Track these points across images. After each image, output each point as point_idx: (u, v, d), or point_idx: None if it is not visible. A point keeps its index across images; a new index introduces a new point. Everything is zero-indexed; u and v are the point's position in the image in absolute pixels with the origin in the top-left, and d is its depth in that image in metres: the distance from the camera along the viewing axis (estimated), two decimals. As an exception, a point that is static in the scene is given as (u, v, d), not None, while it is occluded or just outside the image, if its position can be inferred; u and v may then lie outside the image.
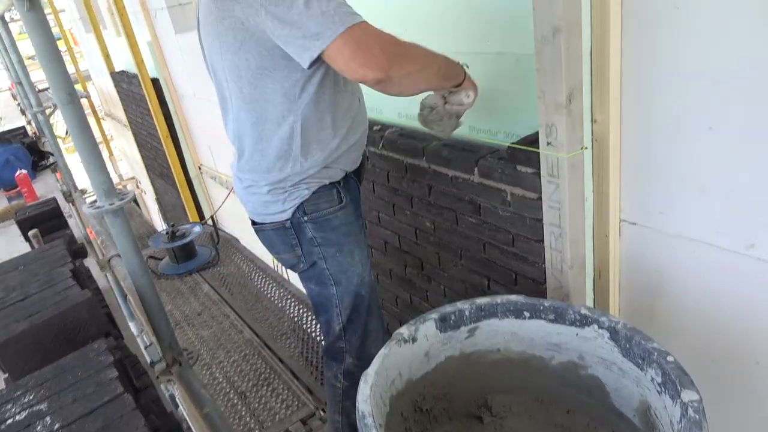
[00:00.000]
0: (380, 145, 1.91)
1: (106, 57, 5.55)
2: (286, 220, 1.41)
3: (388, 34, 1.17)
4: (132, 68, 4.57)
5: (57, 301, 1.41)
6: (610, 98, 1.23)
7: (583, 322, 1.16)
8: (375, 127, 1.95)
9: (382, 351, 1.14)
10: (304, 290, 3.09)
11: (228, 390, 2.42)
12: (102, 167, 1.49)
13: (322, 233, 1.43)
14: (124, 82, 5.27)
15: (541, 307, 1.20)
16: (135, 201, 7.73)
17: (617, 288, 1.45)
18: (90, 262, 2.59)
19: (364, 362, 1.53)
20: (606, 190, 1.32)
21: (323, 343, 1.65)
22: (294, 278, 3.26)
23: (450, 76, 1.32)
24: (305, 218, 1.41)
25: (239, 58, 1.24)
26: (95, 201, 1.57)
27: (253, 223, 1.51)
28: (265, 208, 1.43)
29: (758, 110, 1.03)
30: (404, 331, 1.19)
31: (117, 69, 5.54)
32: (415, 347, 1.20)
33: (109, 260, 2.38)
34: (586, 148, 1.28)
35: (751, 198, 1.10)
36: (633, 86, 1.21)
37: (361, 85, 1.44)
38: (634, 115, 1.24)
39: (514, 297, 1.23)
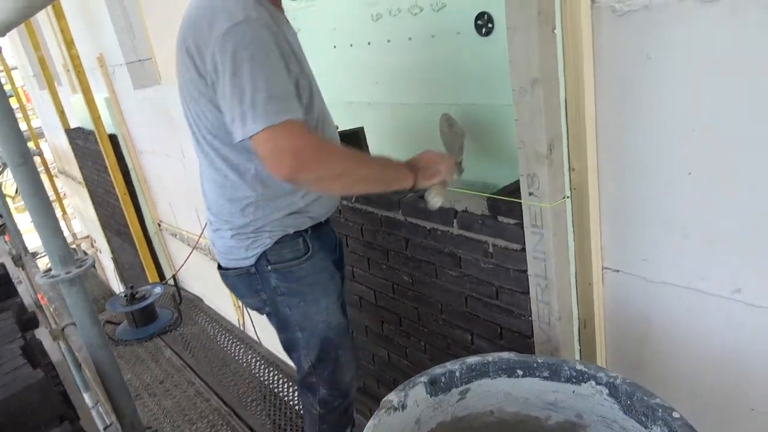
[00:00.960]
0: (353, 198, 1.87)
1: (61, 114, 5.42)
2: (251, 266, 1.42)
3: (311, 137, 1.19)
4: (88, 124, 4.47)
5: (5, 384, 1.27)
6: (587, 146, 1.24)
7: (579, 378, 1.11)
8: (347, 180, 1.91)
9: (371, 423, 1.06)
10: (273, 351, 2.98)
11: (194, 465, 2.25)
12: (57, 232, 1.39)
13: (286, 283, 1.43)
14: (79, 138, 5.14)
15: (535, 364, 1.15)
16: (89, 261, 7.40)
17: (603, 337, 1.42)
18: (42, 333, 2.41)
19: (338, 390, 1.58)
20: (587, 238, 1.31)
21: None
22: (263, 339, 3.13)
23: (389, 182, 1.31)
24: (269, 267, 1.41)
25: (200, 110, 1.29)
26: (49, 269, 1.46)
27: (219, 267, 1.51)
28: (230, 253, 1.43)
29: (736, 154, 1.04)
30: (393, 397, 1.12)
31: (72, 125, 5.42)
32: (405, 415, 1.13)
33: (62, 329, 2.21)
34: (568, 197, 1.27)
35: (734, 242, 1.10)
36: (609, 134, 1.22)
37: (336, 135, 1.47)
38: (611, 162, 1.24)
39: (505, 354, 1.18)
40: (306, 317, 1.47)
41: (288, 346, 1.57)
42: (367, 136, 1.67)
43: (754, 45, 0.96)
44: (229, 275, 1.48)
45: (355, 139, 1.59)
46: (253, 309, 1.56)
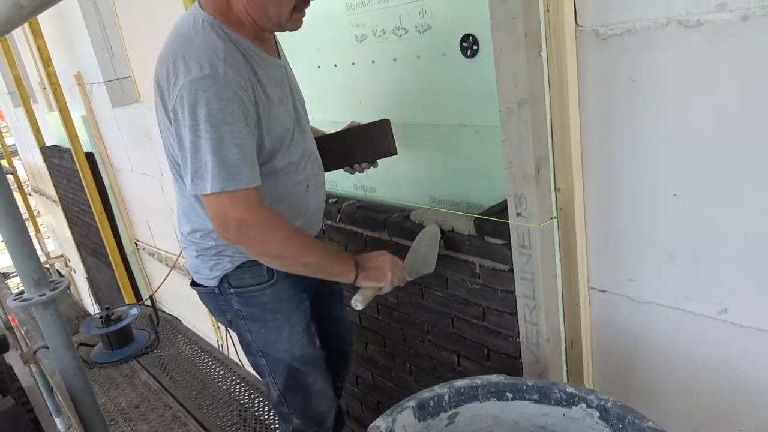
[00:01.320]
0: (337, 218, 1.85)
1: (36, 132, 5.31)
2: (215, 287, 1.42)
3: (257, 212, 1.19)
4: (64, 142, 4.39)
5: (-28, 413, 1.21)
6: (573, 167, 1.24)
7: (569, 401, 1.09)
8: (331, 200, 1.90)
9: (359, 449, 1.02)
10: (254, 373, 2.90)
11: (171, 494, 2.16)
12: (32, 254, 1.33)
13: (248, 308, 1.42)
14: (55, 157, 5.03)
15: (524, 387, 1.13)
16: (63, 281, 7.19)
17: (590, 358, 1.41)
18: (12, 356, 2.31)
19: (311, 420, 1.55)
20: (574, 258, 1.30)
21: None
22: (244, 360, 3.05)
23: (328, 275, 1.34)
24: (231, 291, 1.40)
25: (169, 141, 1.27)
26: (22, 291, 1.39)
27: (192, 282, 1.50)
28: (198, 271, 1.44)
29: (720, 175, 1.05)
30: (381, 423, 1.09)
31: (48, 143, 5.30)
32: (393, 441, 1.09)
33: (34, 352, 2.12)
34: (555, 217, 1.26)
35: (719, 262, 1.11)
36: (594, 155, 1.22)
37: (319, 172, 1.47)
38: (597, 183, 1.24)
39: (495, 377, 1.15)
40: (267, 343, 1.45)
41: (257, 372, 1.56)
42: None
43: (737, 68, 0.97)
44: (200, 292, 1.48)
45: (380, 130, 1.53)
46: (224, 326, 1.57)
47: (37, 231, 7.82)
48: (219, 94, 1.11)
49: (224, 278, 1.39)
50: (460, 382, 1.17)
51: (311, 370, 1.51)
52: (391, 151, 1.54)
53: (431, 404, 1.15)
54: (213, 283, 1.41)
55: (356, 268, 1.33)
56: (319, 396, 1.54)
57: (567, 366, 1.41)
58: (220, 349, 3.36)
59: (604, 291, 1.31)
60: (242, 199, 1.16)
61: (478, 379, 1.16)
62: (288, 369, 1.48)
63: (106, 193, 4.36)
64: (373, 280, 1.34)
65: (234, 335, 1.56)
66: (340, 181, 1.95)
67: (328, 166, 1.54)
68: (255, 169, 1.18)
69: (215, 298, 1.44)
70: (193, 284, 1.49)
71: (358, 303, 1.34)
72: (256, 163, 1.20)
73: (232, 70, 1.13)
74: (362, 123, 1.57)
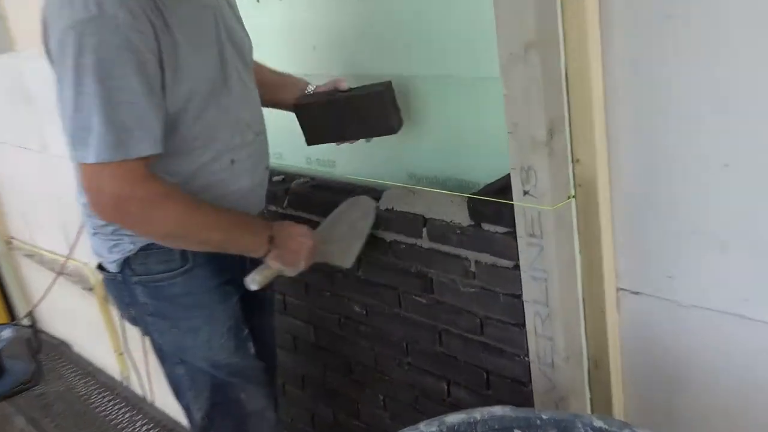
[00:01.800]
0: (285, 202, 1.85)
1: None
2: (117, 273, 1.47)
3: (142, 187, 1.26)
4: None
5: None
6: (595, 131, 1.25)
7: (597, 438, 1.11)
8: (275, 178, 1.90)
9: None
10: (170, 413, 2.88)
11: None
12: None
13: (155, 301, 1.47)
14: None
15: (538, 422, 1.14)
16: None
17: (620, 380, 1.43)
18: None
19: None
20: (598, 250, 1.32)
21: None
22: (156, 395, 3.02)
23: (236, 250, 1.46)
24: (134, 279, 1.45)
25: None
26: None
27: (98, 265, 1.56)
28: (97, 252, 1.50)
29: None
30: (348, 473, 1.08)
31: None
32: (366, 496, 1.10)
33: None
34: (573, 196, 1.28)
35: (788, 253, 1.13)
36: (622, 115, 1.23)
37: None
38: (626, 152, 1.25)
39: (498, 409, 1.16)
40: (180, 348, 1.51)
41: (174, 389, 1.59)
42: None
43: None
44: (104, 278, 1.54)
45: (380, 99, 1.54)
46: (131, 324, 1.62)
47: None
48: (107, 41, 1.17)
49: (126, 262, 1.44)
50: (453, 417, 1.17)
51: (244, 383, 1.55)
52: (394, 129, 1.57)
53: (415, 447, 1.15)
54: (114, 268, 1.46)
55: (269, 244, 1.42)
56: (257, 419, 1.57)
57: (591, 392, 1.43)
58: (125, 383, 3.33)
59: (638, 293, 1.33)
60: (127, 171, 1.23)
61: (477, 413, 1.17)
62: (213, 381, 1.52)
63: (-34, 174, 4.29)
64: (285, 264, 1.47)
65: (148, 363, 1.57)
66: (288, 153, 1.94)
67: (312, 140, 1.62)
68: (150, 134, 1.25)
69: (117, 287, 1.50)
70: (100, 267, 1.53)
71: (254, 283, 1.47)
72: (155, 126, 1.26)
73: (125, 9, 1.18)
74: (348, 83, 1.58)
